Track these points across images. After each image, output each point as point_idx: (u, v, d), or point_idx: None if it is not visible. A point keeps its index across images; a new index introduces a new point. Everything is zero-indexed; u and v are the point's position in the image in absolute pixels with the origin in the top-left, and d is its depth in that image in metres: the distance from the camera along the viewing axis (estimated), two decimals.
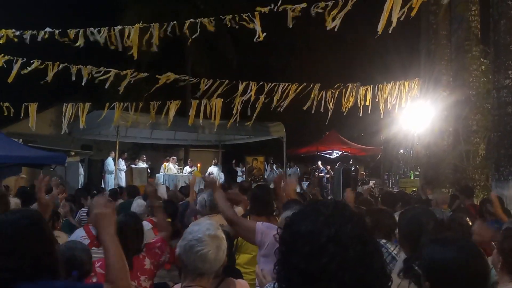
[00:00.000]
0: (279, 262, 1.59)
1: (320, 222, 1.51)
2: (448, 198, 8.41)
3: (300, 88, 14.24)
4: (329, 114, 14.76)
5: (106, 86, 13.12)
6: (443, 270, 2.21)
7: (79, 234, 5.74)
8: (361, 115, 15.13)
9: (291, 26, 9.59)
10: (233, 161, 24.40)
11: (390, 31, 8.42)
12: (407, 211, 3.43)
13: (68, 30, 10.83)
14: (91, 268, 3.84)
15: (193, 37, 10.77)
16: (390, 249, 4.30)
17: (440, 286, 2.25)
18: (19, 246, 2.44)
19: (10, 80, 11.88)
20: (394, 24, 7.86)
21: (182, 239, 2.86)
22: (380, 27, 8.06)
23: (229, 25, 10.29)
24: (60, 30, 10.84)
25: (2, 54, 11.73)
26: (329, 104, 14.68)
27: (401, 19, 8.07)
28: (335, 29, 8.87)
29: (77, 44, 10.85)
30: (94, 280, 3.79)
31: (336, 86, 14.70)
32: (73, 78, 12.66)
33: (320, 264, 1.46)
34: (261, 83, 14.25)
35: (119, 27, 10.93)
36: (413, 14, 8.13)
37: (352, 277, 1.45)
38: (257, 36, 9.94)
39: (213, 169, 22.50)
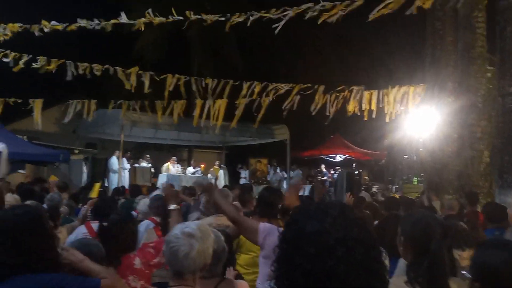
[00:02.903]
0: (278, 260, 1.55)
1: (327, 223, 1.48)
2: (457, 205, 8.35)
3: (304, 86, 14.19)
4: (330, 116, 14.66)
5: (127, 85, 13.12)
6: (497, 272, 2.27)
7: (81, 231, 5.72)
8: (366, 119, 15.04)
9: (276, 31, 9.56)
10: (239, 166, 24.40)
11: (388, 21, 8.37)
12: (411, 215, 3.36)
13: (74, 24, 10.82)
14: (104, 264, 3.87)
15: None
16: None
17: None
18: (20, 242, 2.48)
19: (16, 69, 11.90)
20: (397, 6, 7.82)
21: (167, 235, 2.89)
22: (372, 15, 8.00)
23: (233, 23, 10.23)
24: (67, 24, 10.83)
25: (9, 50, 11.74)
26: (331, 107, 14.62)
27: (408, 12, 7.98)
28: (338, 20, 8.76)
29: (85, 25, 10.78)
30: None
31: (340, 88, 14.62)
32: (80, 73, 12.66)
33: (326, 266, 1.42)
34: (264, 83, 14.21)
35: (124, 20, 10.88)
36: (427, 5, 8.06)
37: (356, 281, 1.42)
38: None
39: (220, 171, 22.54)
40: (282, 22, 9.35)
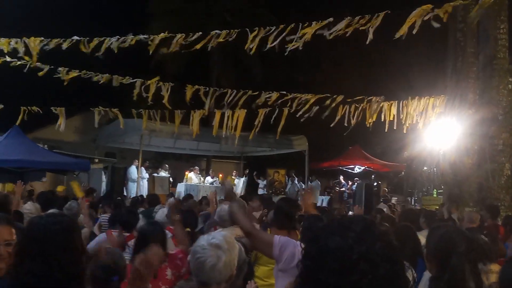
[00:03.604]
0: (302, 276, 1.55)
1: (351, 238, 1.49)
2: (478, 218, 8.24)
3: (322, 96, 14.15)
4: (350, 127, 14.62)
5: (134, 97, 13.29)
6: None
7: (102, 239, 5.77)
8: (386, 130, 14.94)
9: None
10: (254, 173, 24.38)
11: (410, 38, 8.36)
12: (438, 228, 3.34)
13: (95, 39, 10.95)
14: (126, 273, 3.89)
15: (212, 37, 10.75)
16: None
17: None
18: (48, 251, 2.42)
19: (41, 74, 12.07)
20: (416, 29, 7.82)
21: (193, 245, 2.87)
22: (401, 33, 8.01)
23: (254, 39, 10.28)
24: (88, 38, 10.97)
25: (30, 61, 11.91)
26: (352, 118, 14.58)
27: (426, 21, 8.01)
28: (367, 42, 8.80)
29: (101, 53, 10.96)
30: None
31: (359, 98, 14.56)
32: (100, 82, 12.81)
33: (351, 281, 1.43)
34: (283, 92, 14.22)
35: (145, 36, 11.00)
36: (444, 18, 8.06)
37: None
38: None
39: (236, 181, 22.52)
40: (298, 44, 9.42)
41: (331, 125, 14.46)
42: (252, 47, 10.03)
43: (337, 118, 14.55)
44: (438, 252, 2.94)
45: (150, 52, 11.10)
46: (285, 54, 9.68)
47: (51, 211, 6.12)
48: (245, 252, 3.68)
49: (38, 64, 12.08)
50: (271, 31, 9.94)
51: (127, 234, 5.59)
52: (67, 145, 22.12)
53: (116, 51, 10.99)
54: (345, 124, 14.62)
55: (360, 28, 8.83)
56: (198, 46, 10.68)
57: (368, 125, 14.78)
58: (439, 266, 2.88)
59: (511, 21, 12.39)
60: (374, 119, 14.73)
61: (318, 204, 19.83)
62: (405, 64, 28.12)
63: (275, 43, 9.71)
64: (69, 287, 2.45)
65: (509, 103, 12.35)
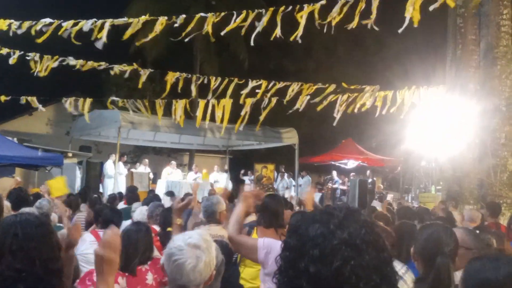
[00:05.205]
0: (281, 269, 1.55)
1: (333, 224, 1.48)
2: (479, 216, 8.27)
3: (314, 87, 14.10)
4: (337, 117, 14.57)
5: (109, 73, 13.19)
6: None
7: (88, 239, 5.79)
8: (376, 116, 14.87)
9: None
10: (242, 171, 24.33)
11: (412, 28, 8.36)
12: (427, 226, 3.37)
13: (68, 22, 10.84)
14: (78, 274, 3.90)
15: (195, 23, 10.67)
16: (396, 267, 4.19)
17: None
18: (27, 247, 2.56)
19: (13, 62, 11.95)
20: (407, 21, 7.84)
21: (167, 247, 2.80)
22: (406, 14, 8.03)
23: (239, 23, 10.23)
24: (61, 20, 10.85)
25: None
26: (339, 106, 14.51)
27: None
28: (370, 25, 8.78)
29: (72, 34, 10.84)
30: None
31: (353, 87, 14.52)
32: (75, 67, 12.69)
33: (332, 268, 1.41)
34: (272, 83, 14.15)
35: (124, 19, 10.90)
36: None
37: (367, 284, 1.42)
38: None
39: (219, 177, 22.41)
40: (298, 34, 9.41)
41: (321, 111, 14.40)
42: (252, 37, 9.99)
43: (325, 103, 14.46)
44: (425, 251, 2.98)
45: (127, 36, 10.97)
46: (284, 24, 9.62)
47: (23, 209, 6.11)
48: (226, 251, 3.67)
49: (6, 49, 11.97)
50: (261, 14, 9.91)
51: None
52: (39, 138, 21.91)
53: (95, 38, 10.87)
54: (334, 115, 14.57)
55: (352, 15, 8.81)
56: (187, 30, 10.59)
57: (355, 111, 14.69)
58: (425, 266, 2.92)
59: None
60: (367, 107, 14.70)
61: None
62: (403, 52, 28.19)
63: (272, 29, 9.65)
64: (50, 282, 2.57)
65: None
